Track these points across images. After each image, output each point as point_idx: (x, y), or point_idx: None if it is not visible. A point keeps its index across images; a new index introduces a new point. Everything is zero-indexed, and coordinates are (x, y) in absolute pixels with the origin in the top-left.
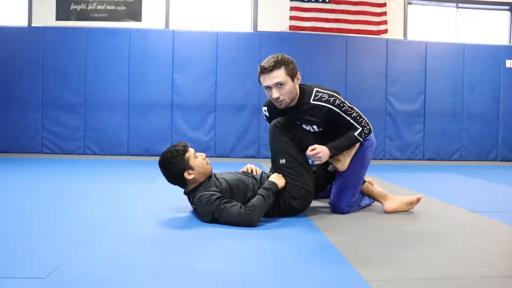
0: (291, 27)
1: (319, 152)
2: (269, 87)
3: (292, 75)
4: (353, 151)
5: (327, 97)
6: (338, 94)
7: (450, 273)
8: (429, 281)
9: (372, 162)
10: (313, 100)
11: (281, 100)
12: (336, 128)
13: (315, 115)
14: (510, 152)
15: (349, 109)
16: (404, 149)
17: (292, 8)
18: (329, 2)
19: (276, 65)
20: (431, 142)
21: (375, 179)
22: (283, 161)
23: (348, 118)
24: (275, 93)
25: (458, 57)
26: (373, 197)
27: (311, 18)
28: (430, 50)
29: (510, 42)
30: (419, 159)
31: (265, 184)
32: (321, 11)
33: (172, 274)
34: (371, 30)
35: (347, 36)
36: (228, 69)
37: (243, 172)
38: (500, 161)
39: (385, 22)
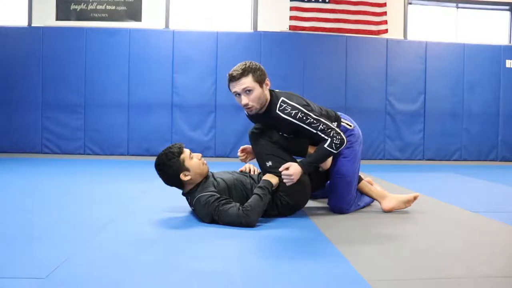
0: (291, 27)
1: (291, 174)
2: (238, 94)
3: (260, 82)
4: None
5: (289, 109)
6: (306, 106)
7: (450, 273)
8: (429, 281)
9: (373, 162)
10: (278, 110)
11: (251, 106)
12: (307, 137)
13: (280, 125)
14: (510, 152)
15: (315, 121)
16: (404, 149)
17: (292, 8)
18: (329, 2)
19: (243, 73)
20: (431, 142)
21: (375, 179)
22: (269, 163)
23: (314, 131)
24: (244, 100)
25: (458, 57)
26: (371, 196)
27: (311, 18)
28: (430, 50)
29: (510, 42)
30: (419, 159)
31: (260, 183)
32: (321, 11)
33: (172, 274)
34: (371, 30)
35: (347, 36)
36: (228, 69)
37: (241, 171)
38: (500, 161)
39: (385, 22)
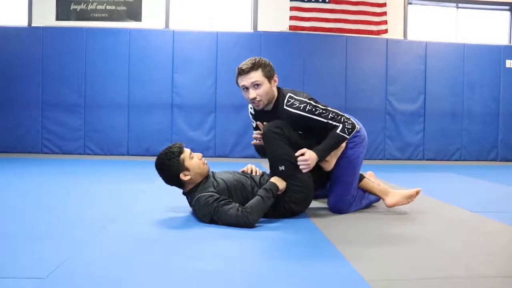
0: (291, 27)
1: (307, 159)
2: (246, 88)
3: (269, 77)
4: (339, 150)
5: (298, 104)
6: (312, 99)
7: (450, 273)
8: (429, 281)
9: (373, 162)
10: (286, 106)
11: (258, 101)
12: (317, 131)
13: (289, 120)
14: (510, 152)
15: (324, 111)
16: (404, 149)
17: (292, 8)
18: (329, 2)
19: (253, 67)
20: (431, 142)
21: None
22: (282, 167)
23: (325, 120)
24: (252, 93)
25: (458, 57)
26: (373, 193)
27: (311, 18)
28: (430, 50)
29: (510, 42)
30: (419, 159)
31: (266, 185)
32: (321, 11)
33: (172, 274)
34: (371, 30)
35: (347, 36)
36: (228, 69)
37: (243, 171)
38: (500, 161)
39: (385, 22)
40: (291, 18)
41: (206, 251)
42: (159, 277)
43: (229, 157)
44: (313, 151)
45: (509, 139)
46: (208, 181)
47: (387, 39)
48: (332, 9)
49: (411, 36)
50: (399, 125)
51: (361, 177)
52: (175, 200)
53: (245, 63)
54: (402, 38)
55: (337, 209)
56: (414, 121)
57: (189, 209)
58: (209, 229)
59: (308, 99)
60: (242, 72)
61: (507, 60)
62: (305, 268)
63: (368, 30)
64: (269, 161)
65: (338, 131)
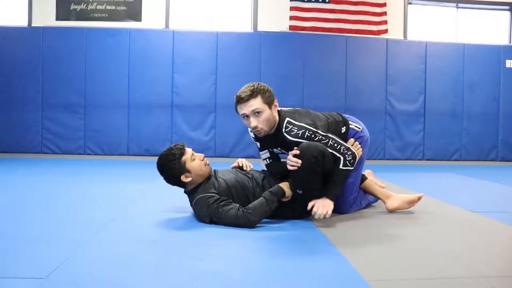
0: (291, 27)
1: (326, 212)
2: (246, 116)
3: (269, 103)
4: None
5: (296, 130)
6: (312, 124)
7: (450, 273)
8: (429, 281)
9: (372, 162)
10: (284, 133)
11: (260, 129)
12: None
13: (290, 146)
14: (510, 152)
15: (323, 138)
16: (404, 149)
17: (292, 8)
18: (329, 2)
19: (252, 94)
20: (431, 142)
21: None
22: (300, 192)
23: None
24: (253, 122)
25: (458, 57)
26: (375, 195)
27: (311, 18)
28: (430, 50)
29: (510, 42)
30: (419, 159)
31: (272, 189)
32: (321, 11)
33: (172, 274)
34: (371, 30)
35: (347, 36)
36: (228, 69)
37: (233, 167)
38: (500, 161)
39: (385, 22)
40: (291, 18)
41: (206, 251)
42: (159, 277)
43: (229, 157)
44: (328, 197)
45: (509, 139)
46: (209, 181)
47: (387, 39)
48: (332, 9)
49: (411, 36)
50: (399, 125)
51: (363, 178)
52: (175, 200)
53: (243, 91)
54: (402, 38)
55: (338, 209)
56: (414, 121)
57: (189, 209)
58: (209, 229)
59: (308, 124)
60: (241, 100)
61: (507, 60)
62: (305, 268)
63: (368, 30)
64: (296, 175)
65: (341, 166)
